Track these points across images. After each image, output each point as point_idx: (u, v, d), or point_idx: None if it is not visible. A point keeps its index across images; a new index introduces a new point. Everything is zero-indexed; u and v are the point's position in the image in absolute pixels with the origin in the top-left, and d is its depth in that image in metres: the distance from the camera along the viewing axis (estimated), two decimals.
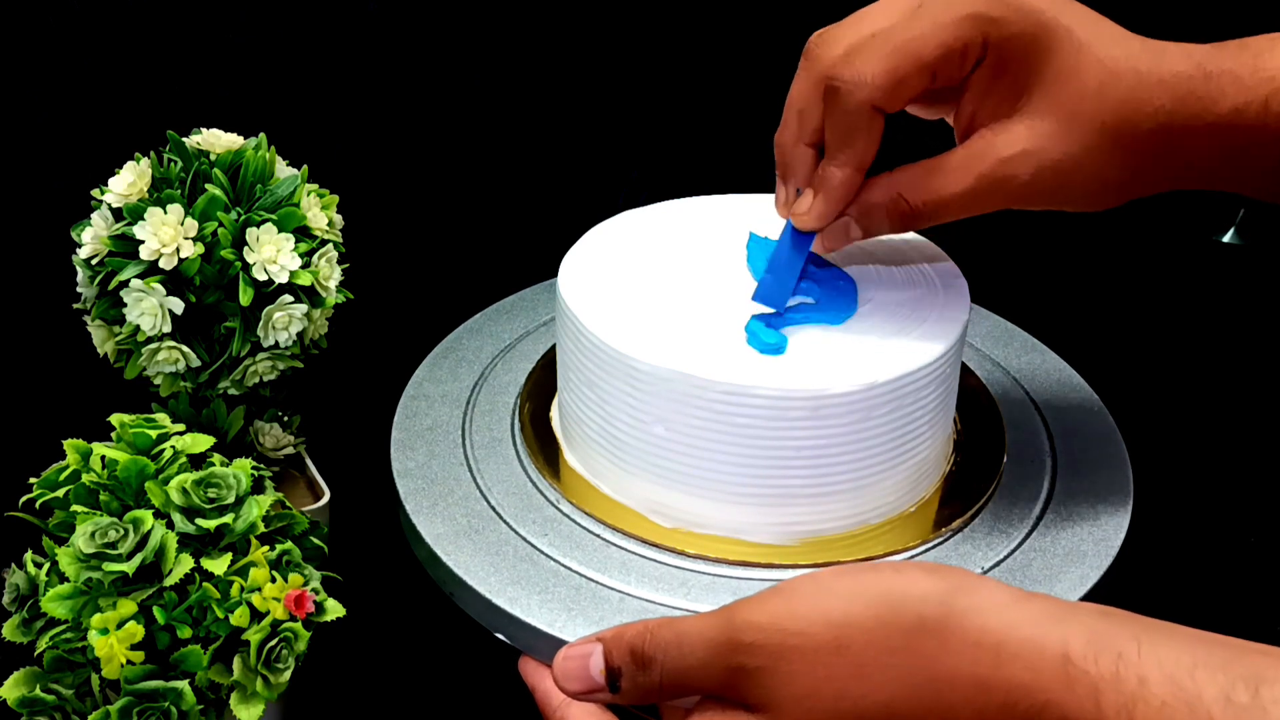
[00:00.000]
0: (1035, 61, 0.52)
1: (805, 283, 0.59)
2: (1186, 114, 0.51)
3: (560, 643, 0.52)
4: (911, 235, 0.63)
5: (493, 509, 0.60)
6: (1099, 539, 0.58)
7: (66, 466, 0.56)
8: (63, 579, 0.53)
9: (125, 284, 0.60)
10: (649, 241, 0.64)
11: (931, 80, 0.52)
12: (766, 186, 0.68)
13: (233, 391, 0.64)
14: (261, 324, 0.61)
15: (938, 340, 0.57)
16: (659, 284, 0.60)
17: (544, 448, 0.63)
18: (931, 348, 0.56)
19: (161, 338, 0.61)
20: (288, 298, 0.61)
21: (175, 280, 0.60)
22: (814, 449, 0.55)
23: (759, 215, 0.65)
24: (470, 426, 0.65)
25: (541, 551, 0.57)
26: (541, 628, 0.53)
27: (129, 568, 0.52)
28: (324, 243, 0.63)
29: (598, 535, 0.58)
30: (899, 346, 0.56)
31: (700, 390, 0.54)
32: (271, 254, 0.60)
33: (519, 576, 0.56)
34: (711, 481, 0.56)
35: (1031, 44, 0.52)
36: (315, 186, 0.65)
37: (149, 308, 0.60)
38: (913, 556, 0.57)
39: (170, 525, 0.54)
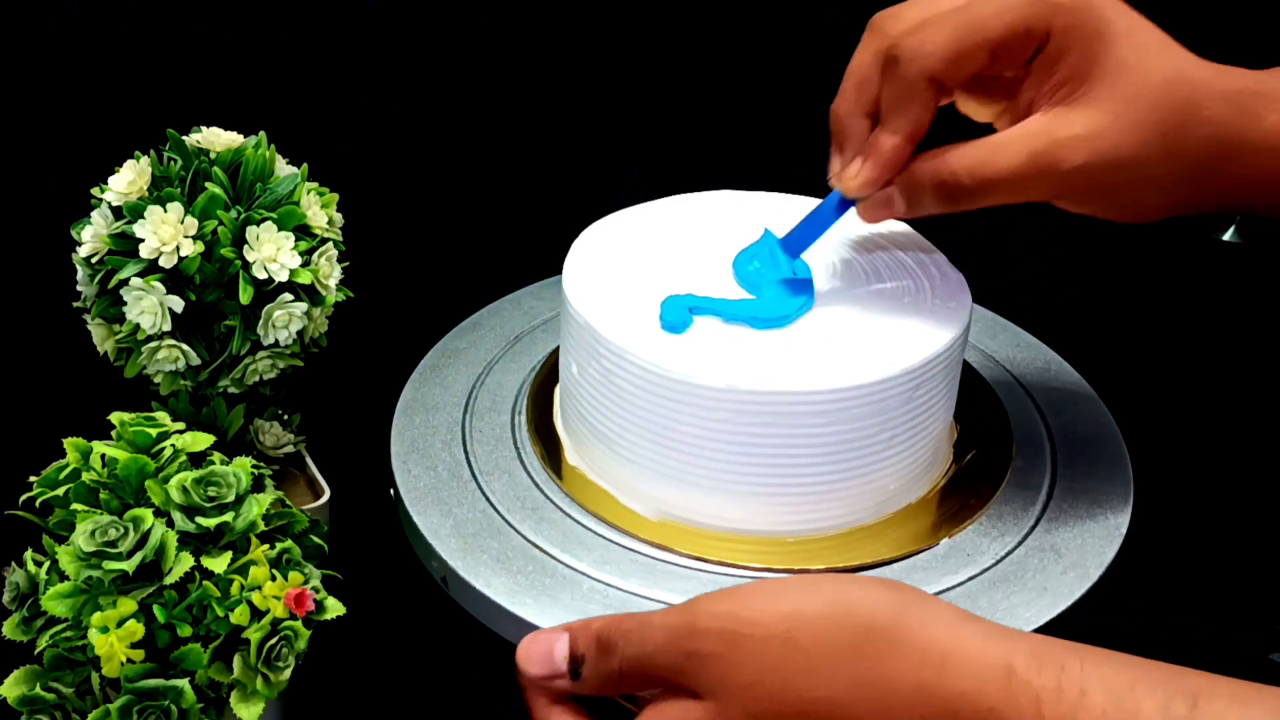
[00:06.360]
0: (1098, 52, 0.51)
1: (754, 279, 0.59)
2: (1238, 125, 0.51)
3: (476, 591, 0.55)
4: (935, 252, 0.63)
5: (470, 470, 0.62)
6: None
7: (67, 465, 0.56)
8: (63, 577, 0.53)
9: (125, 282, 0.60)
10: (658, 231, 0.64)
11: (991, 60, 0.52)
12: (767, 185, 0.68)
13: (233, 390, 0.64)
14: (261, 322, 0.61)
15: (899, 359, 0.55)
16: (651, 270, 0.61)
17: (539, 418, 0.65)
18: (893, 365, 0.55)
19: (161, 336, 0.61)
20: (288, 296, 0.61)
21: (175, 279, 0.60)
22: (694, 437, 0.55)
23: (781, 214, 0.65)
24: (475, 398, 0.67)
25: (496, 510, 0.59)
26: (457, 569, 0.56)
27: (129, 566, 0.52)
28: (324, 241, 0.63)
29: (555, 504, 0.60)
30: (861, 355, 0.55)
31: (601, 345, 0.56)
32: (271, 252, 0.60)
33: (462, 528, 0.58)
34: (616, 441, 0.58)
35: (1095, 35, 0.51)
36: (315, 185, 0.65)
37: (149, 306, 0.60)
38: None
39: (170, 524, 0.54)
